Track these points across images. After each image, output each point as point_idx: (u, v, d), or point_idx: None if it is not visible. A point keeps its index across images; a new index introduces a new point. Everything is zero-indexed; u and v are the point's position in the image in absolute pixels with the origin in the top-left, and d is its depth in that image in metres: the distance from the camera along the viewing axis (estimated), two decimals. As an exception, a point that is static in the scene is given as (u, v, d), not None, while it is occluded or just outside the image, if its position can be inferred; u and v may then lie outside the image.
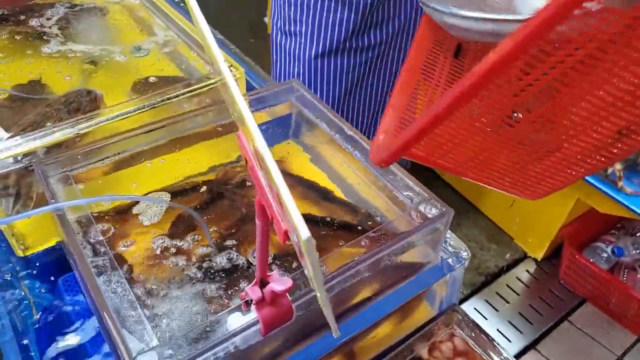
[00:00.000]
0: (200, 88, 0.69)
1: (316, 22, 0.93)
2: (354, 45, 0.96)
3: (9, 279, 0.63)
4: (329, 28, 0.92)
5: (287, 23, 0.98)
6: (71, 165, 0.60)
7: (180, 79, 0.73)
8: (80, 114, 0.64)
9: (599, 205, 1.25)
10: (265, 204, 0.35)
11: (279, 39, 1.03)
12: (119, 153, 0.63)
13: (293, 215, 0.19)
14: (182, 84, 0.69)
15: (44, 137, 0.61)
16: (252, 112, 0.72)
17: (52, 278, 0.65)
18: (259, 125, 0.74)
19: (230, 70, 0.73)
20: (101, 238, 0.54)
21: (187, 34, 0.82)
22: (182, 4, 0.94)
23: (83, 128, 0.62)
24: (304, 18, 0.94)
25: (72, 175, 0.60)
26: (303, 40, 0.96)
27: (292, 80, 0.75)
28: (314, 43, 0.95)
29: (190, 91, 0.68)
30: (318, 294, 0.25)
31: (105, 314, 0.46)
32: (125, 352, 0.43)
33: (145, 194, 0.64)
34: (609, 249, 1.43)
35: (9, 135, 0.65)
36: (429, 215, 0.57)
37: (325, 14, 0.92)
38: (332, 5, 0.91)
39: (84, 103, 0.69)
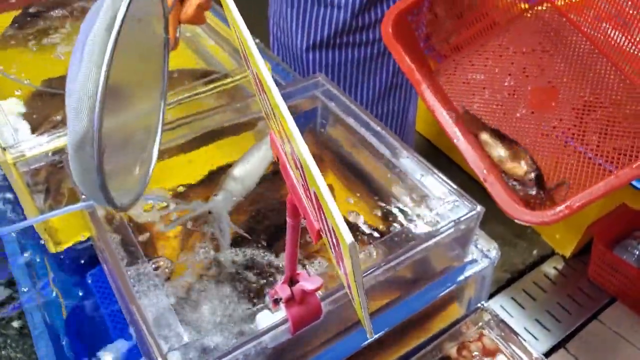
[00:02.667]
0: (227, 84, 0.69)
1: (307, 18, 0.93)
2: (344, 41, 0.96)
3: (40, 273, 0.64)
4: (319, 24, 0.93)
5: (280, 17, 0.99)
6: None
7: (205, 72, 0.73)
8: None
9: (631, 200, 1.21)
10: (297, 203, 0.34)
11: (274, 32, 1.05)
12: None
13: (337, 218, 0.19)
14: (208, 79, 0.69)
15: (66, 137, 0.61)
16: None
17: (82, 272, 0.67)
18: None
19: (257, 66, 0.73)
20: (131, 235, 0.54)
21: (213, 29, 0.82)
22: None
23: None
24: (294, 13, 0.95)
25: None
26: (294, 35, 0.97)
27: (318, 75, 0.74)
28: (304, 37, 0.95)
29: (216, 87, 0.68)
30: (355, 296, 0.25)
31: (135, 310, 0.46)
32: (156, 349, 0.44)
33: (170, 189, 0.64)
34: (640, 247, 1.39)
35: (40, 131, 0.66)
36: (460, 213, 0.56)
37: (314, 11, 0.92)
38: (319, 4, 0.92)
39: (112, 100, 0.69)
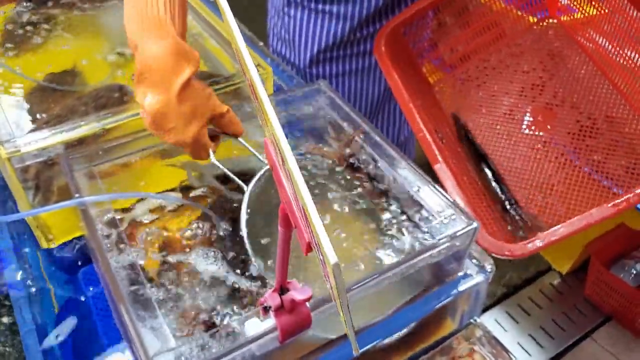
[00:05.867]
0: (228, 87, 0.68)
1: (310, 28, 0.93)
2: (347, 52, 0.96)
3: (31, 270, 0.63)
4: (323, 35, 0.93)
5: (282, 28, 0.99)
6: (97, 160, 0.61)
7: (210, 75, 0.73)
8: (107, 110, 0.65)
9: (629, 221, 1.20)
10: (289, 212, 0.34)
11: (274, 45, 1.04)
12: (143, 149, 0.63)
13: (321, 237, 0.18)
14: (210, 81, 0.69)
15: (66, 132, 0.61)
16: (278, 112, 0.72)
17: (74, 270, 0.66)
18: (284, 127, 0.74)
19: (258, 70, 0.72)
20: (123, 234, 0.54)
21: (216, 31, 0.81)
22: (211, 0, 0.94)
23: (107, 124, 0.63)
24: (297, 24, 0.95)
25: (97, 170, 0.60)
26: (296, 46, 0.97)
27: (320, 82, 0.74)
28: (307, 47, 0.95)
29: (217, 90, 0.68)
30: (341, 314, 0.24)
31: (124, 312, 0.46)
32: (142, 351, 0.43)
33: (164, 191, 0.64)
34: (637, 266, 1.39)
35: (33, 127, 0.65)
36: (456, 228, 0.55)
37: (318, 22, 0.92)
38: (318, 16, 0.92)
39: (113, 99, 0.69)
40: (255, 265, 0.54)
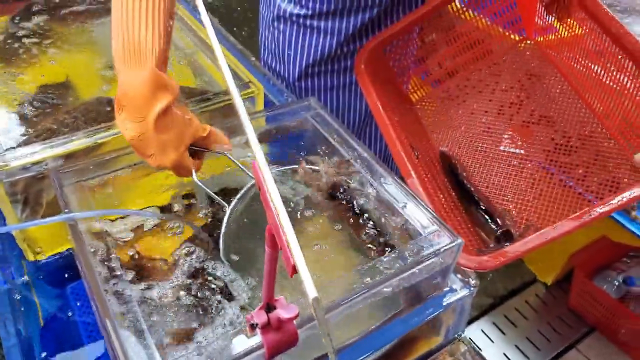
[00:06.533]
0: (218, 103, 0.69)
1: (299, 43, 0.95)
2: (334, 67, 0.97)
3: (18, 283, 0.63)
4: (311, 50, 0.95)
5: (272, 42, 1.01)
6: (87, 175, 0.61)
7: (199, 92, 0.74)
8: (97, 124, 0.65)
9: (611, 233, 1.23)
10: (276, 234, 0.35)
11: (265, 58, 1.06)
12: (134, 164, 0.64)
13: (302, 272, 0.19)
14: (200, 98, 0.70)
15: (56, 147, 0.61)
16: (268, 128, 0.73)
17: (61, 284, 0.66)
18: (274, 142, 0.74)
19: (249, 86, 0.73)
20: (111, 249, 0.54)
21: (209, 47, 0.82)
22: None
23: (97, 139, 0.63)
24: (286, 39, 0.96)
25: (86, 185, 0.61)
26: (286, 60, 0.98)
27: (310, 98, 0.75)
28: (296, 62, 0.97)
29: (209, 105, 0.68)
30: (324, 341, 0.25)
31: (110, 328, 0.46)
32: (129, 368, 0.43)
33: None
34: (620, 278, 1.41)
35: (23, 141, 0.66)
36: (440, 244, 0.56)
37: (307, 37, 0.94)
38: (307, 30, 0.93)
39: (103, 113, 0.69)
40: (239, 285, 0.55)
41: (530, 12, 0.92)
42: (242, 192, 0.61)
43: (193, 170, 0.58)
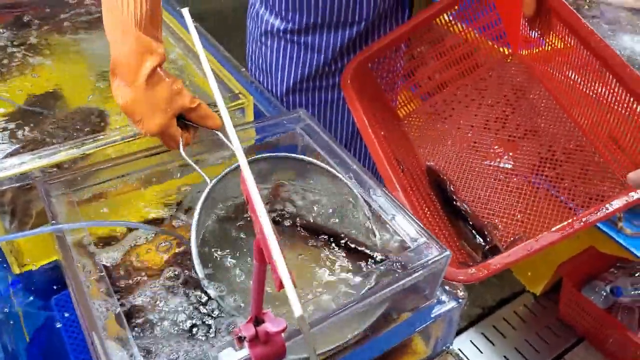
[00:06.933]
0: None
1: (286, 59, 0.96)
2: (323, 84, 0.98)
3: (4, 295, 0.62)
4: (299, 66, 0.96)
5: (259, 57, 1.01)
6: (75, 186, 0.61)
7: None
8: (85, 135, 0.65)
9: (598, 244, 1.24)
10: (263, 247, 0.35)
11: (253, 71, 1.06)
12: (122, 175, 0.63)
13: (287, 289, 0.19)
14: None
15: (44, 157, 0.61)
16: (258, 139, 0.73)
17: (47, 296, 0.65)
18: (264, 151, 0.74)
19: (239, 97, 0.74)
20: (98, 261, 0.54)
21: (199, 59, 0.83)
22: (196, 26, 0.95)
23: (86, 150, 0.63)
24: (274, 55, 0.97)
25: (74, 196, 0.60)
26: (273, 75, 0.99)
27: (299, 110, 0.75)
28: (284, 78, 0.98)
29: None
30: (310, 357, 0.25)
31: (97, 342, 0.46)
32: (115, 383, 0.43)
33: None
34: (607, 288, 1.42)
35: (10, 151, 0.65)
36: (429, 256, 0.57)
37: (294, 53, 0.95)
38: (294, 46, 0.94)
39: (91, 123, 0.69)
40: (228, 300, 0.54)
41: (515, 27, 0.93)
42: (225, 171, 0.62)
43: (181, 142, 0.62)
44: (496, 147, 0.88)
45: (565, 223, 0.65)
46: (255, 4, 0.98)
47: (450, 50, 0.97)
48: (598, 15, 1.30)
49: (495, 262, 0.66)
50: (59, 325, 0.63)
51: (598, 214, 0.66)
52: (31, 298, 0.64)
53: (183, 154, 0.62)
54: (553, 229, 0.65)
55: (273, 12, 0.93)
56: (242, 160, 0.26)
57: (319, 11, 0.88)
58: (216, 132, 0.65)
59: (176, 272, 0.58)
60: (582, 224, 0.65)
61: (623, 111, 0.72)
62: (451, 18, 0.95)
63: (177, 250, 0.61)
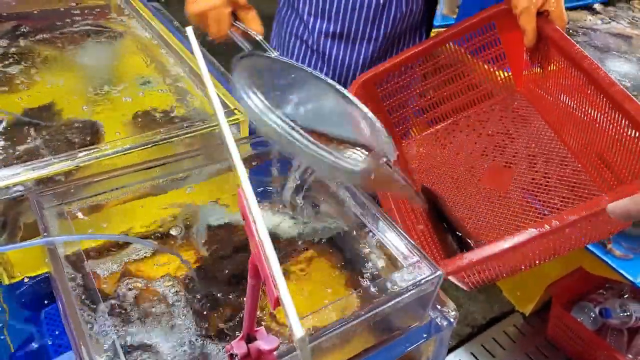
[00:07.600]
0: (202, 129, 0.70)
1: None
2: None
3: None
4: None
5: None
6: (67, 198, 0.60)
7: (183, 117, 0.74)
8: (79, 147, 0.65)
9: (587, 265, 1.25)
10: (259, 266, 0.35)
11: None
12: (116, 188, 0.63)
13: (288, 310, 0.19)
14: (185, 123, 0.70)
15: (37, 170, 0.61)
16: (254, 153, 0.73)
17: (36, 309, 0.64)
18: (260, 166, 0.75)
19: (234, 113, 0.74)
20: (89, 275, 0.53)
21: (196, 74, 0.83)
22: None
23: (79, 162, 0.63)
24: None
25: (66, 209, 0.60)
26: None
27: (294, 126, 0.76)
28: None
29: (192, 132, 0.69)
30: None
31: (85, 353, 0.45)
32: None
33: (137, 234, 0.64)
34: (597, 310, 1.43)
35: (3, 163, 0.65)
36: (421, 276, 0.57)
37: (306, 64, 0.96)
38: (312, 55, 0.95)
39: (84, 135, 0.69)
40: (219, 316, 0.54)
41: (518, 63, 0.95)
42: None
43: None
44: (492, 172, 0.89)
45: (538, 222, 0.63)
46: (283, 8, 1.01)
47: (457, 78, 0.98)
48: (589, 41, 1.33)
49: (469, 256, 0.63)
50: (45, 338, 0.62)
51: (576, 214, 0.63)
52: (19, 309, 0.64)
53: (231, 32, 0.70)
54: (525, 231, 0.63)
55: (304, 13, 0.95)
56: (243, 176, 0.26)
57: (346, 21, 0.91)
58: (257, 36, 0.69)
59: (171, 286, 0.57)
60: (557, 224, 0.62)
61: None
62: (458, 45, 0.96)
63: (172, 264, 0.60)
